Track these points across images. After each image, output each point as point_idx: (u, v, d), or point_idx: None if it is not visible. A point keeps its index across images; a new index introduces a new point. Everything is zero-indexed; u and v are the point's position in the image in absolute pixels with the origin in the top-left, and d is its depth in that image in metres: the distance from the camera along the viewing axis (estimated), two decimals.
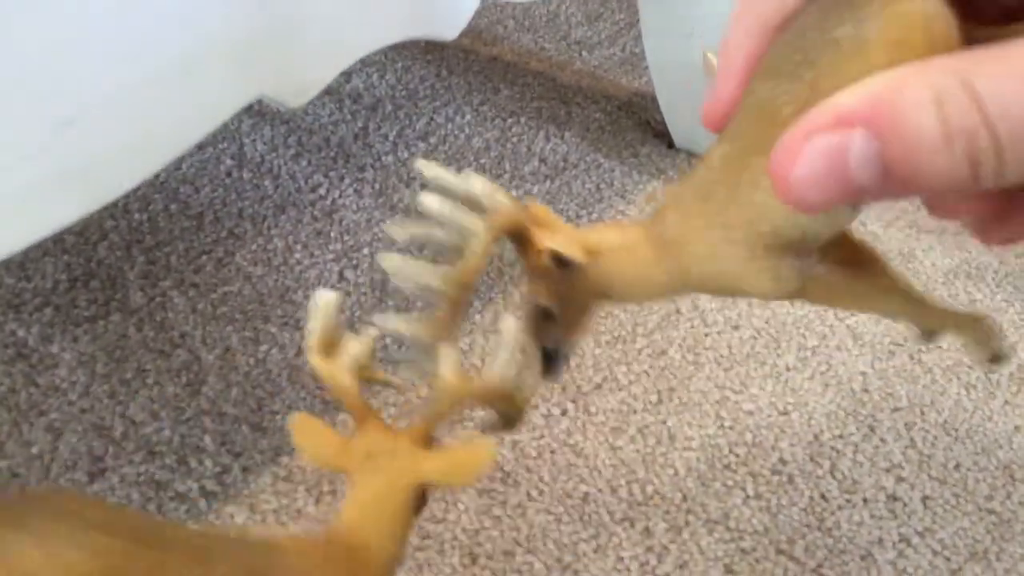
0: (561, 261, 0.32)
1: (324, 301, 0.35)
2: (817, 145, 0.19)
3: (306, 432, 0.32)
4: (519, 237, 0.33)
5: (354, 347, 0.35)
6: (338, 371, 0.34)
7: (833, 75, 0.23)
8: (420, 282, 0.33)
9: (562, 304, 0.34)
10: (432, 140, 1.09)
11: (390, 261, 0.33)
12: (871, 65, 0.21)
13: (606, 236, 0.34)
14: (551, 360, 0.35)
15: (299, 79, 0.53)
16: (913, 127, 0.18)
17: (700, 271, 0.31)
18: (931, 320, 0.32)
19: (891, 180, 0.19)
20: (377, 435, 0.32)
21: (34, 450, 0.73)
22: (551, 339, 0.35)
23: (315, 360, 0.35)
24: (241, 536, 0.25)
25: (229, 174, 1.04)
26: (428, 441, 0.33)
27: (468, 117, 1.13)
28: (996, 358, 0.33)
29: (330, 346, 0.35)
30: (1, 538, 0.19)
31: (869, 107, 0.18)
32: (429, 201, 0.33)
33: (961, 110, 0.17)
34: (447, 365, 0.33)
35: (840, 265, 0.31)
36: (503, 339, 0.34)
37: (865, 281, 0.32)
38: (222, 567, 0.23)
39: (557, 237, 0.32)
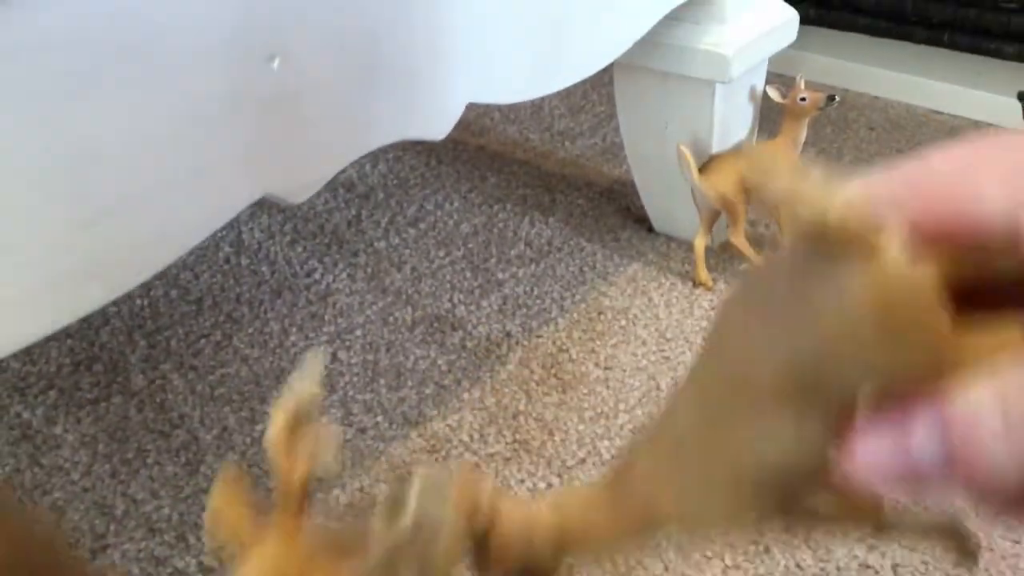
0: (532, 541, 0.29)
1: (303, 386, 0.31)
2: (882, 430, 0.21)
3: (227, 497, 0.31)
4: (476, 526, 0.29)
5: (321, 443, 0.31)
6: (293, 466, 0.31)
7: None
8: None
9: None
10: (422, 226, 1.15)
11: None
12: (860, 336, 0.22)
13: (564, 502, 0.31)
14: None
15: (301, 178, 0.58)
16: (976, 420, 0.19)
17: (674, 512, 0.32)
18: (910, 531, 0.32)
19: (954, 466, 0.20)
20: (285, 546, 0.31)
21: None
22: None
23: (276, 445, 0.31)
24: None
25: (228, 260, 1.09)
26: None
27: (457, 204, 1.19)
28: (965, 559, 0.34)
29: (296, 426, 0.32)
30: None
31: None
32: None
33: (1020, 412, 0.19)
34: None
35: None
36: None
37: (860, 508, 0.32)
38: None
39: (522, 523, 0.29)
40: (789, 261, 0.24)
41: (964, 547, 0.30)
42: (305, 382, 0.31)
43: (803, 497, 0.27)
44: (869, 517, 0.29)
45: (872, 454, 0.21)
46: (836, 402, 0.23)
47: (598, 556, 0.32)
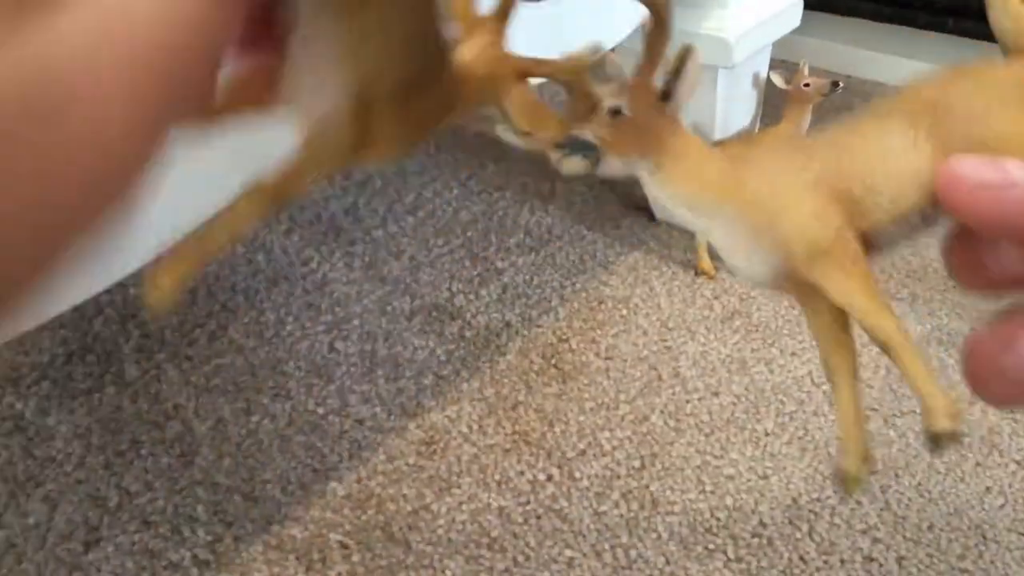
0: (668, 88, 0.36)
1: None
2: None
3: None
4: (657, 23, 0.37)
5: None
6: None
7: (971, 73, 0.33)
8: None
9: (632, 123, 0.36)
10: (420, 214, 1.13)
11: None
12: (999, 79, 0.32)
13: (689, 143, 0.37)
14: (582, 150, 0.37)
15: None
16: None
17: (756, 185, 0.35)
18: (907, 360, 0.32)
19: None
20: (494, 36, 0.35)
21: (31, 520, 0.74)
22: (600, 133, 0.37)
23: None
24: None
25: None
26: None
27: (456, 191, 1.18)
28: (943, 437, 0.31)
29: None
30: None
31: None
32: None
33: None
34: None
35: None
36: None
37: (877, 286, 0.33)
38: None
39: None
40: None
41: (942, 419, 0.32)
42: None
43: (897, 208, 0.32)
44: None
45: (971, 164, 0.26)
46: (949, 140, 0.31)
47: (668, 179, 0.36)
